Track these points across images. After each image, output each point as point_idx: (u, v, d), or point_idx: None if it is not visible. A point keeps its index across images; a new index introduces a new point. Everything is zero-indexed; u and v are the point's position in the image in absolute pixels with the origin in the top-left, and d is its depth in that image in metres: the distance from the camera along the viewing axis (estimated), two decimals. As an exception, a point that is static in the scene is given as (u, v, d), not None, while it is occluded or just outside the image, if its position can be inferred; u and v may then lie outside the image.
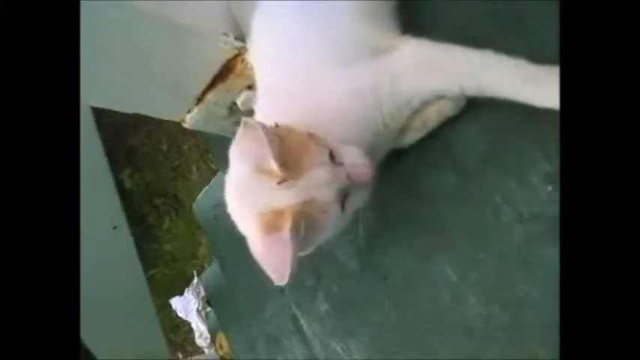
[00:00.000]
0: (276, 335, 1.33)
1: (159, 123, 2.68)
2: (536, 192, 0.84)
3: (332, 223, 0.84)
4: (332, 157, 0.83)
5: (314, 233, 0.82)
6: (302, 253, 0.81)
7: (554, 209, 0.82)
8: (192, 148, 2.68)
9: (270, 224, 0.79)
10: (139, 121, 2.83)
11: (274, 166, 0.78)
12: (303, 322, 1.19)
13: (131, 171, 2.99)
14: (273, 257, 0.77)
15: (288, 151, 0.80)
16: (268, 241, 0.78)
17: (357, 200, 0.86)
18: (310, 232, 0.80)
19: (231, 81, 1.14)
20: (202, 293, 2.45)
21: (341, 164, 0.83)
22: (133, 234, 2.88)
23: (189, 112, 1.19)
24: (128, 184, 2.99)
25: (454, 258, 0.93)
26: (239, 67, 1.13)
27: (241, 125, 0.81)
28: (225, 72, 1.14)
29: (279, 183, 0.78)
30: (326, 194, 0.80)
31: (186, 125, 1.20)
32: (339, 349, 1.12)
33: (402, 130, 0.94)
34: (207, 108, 1.18)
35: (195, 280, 2.53)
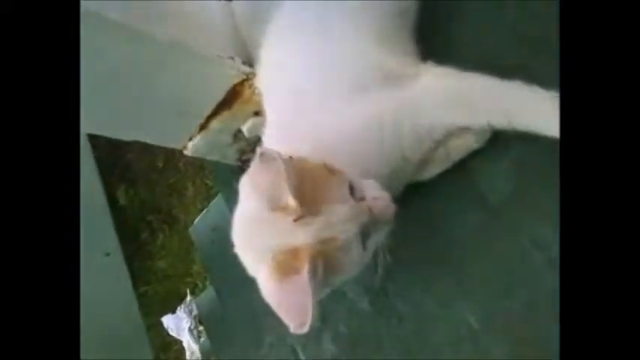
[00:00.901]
0: (274, 366, 1.17)
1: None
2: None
3: (353, 263, 0.70)
4: (351, 191, 0.70)
5: (333, 275, 0.68)
6: (318, 298, 0.66)
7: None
8: (188, 165, 2.52)
9: (285, 266, 0.65)
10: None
11: (291, 201, 0.65)
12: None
13: (126, 187, 2.82)
14: (290, 303, 0.64)
15: (305, 185, 0.67)
16: (284, 286, 0.64)
17: (378, 237, 0.73)
18: (329, 274, 0.67)
19: (238, 107, 1.00)
20: (195, 312, 2.28)
21: (361, 199, 0.70)
22: (126, 251, 2.70)
23: (190, 139, 1.04)
24: (123, 200, 2.81)
25: (477, 304, 0.79)
26: (246, 93, 0.98)
27: (256, 156, 0.67)
28: (231, 98, 0.99)
29: (296, 220, 0.65)
30: (347, 231, 0.67)
31: (187, 152, 1.05)
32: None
33: (423, 163, 0.81)
34: (211, 135, 1.03)
35: (188, 298, 2.36)
